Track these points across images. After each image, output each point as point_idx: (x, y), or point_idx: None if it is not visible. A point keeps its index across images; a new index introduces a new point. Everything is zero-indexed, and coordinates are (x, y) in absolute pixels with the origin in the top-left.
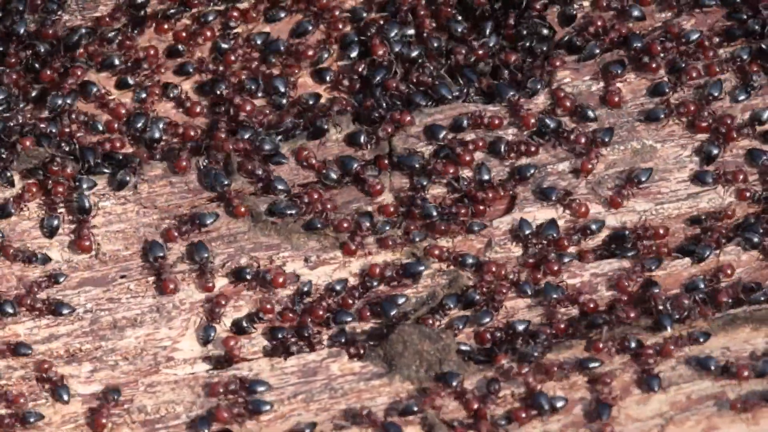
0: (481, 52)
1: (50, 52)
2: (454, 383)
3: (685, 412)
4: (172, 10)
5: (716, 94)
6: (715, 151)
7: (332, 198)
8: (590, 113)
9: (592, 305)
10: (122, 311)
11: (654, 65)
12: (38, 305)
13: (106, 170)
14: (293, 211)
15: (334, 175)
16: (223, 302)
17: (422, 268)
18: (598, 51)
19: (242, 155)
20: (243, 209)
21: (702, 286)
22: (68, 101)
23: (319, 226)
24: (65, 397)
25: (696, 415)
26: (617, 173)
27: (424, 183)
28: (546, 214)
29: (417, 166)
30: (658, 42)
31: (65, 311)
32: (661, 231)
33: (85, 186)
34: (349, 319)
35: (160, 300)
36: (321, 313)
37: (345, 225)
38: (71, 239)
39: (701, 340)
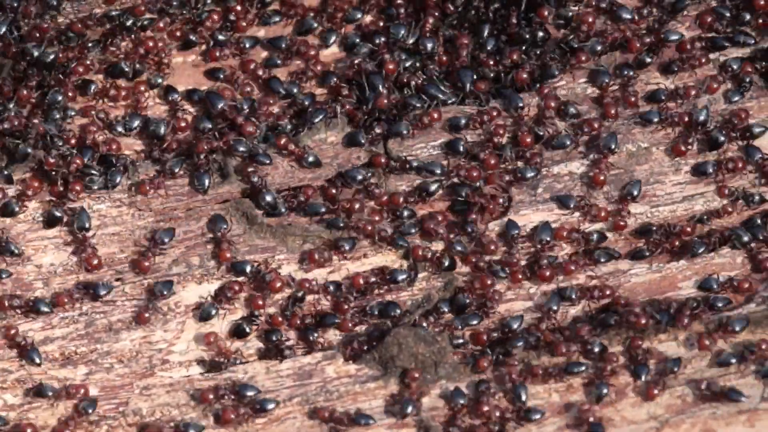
0: (491, 62)
1: (28, 69)
2: (460, 402)
3: (680, 414)
4: (145, 21)
5: (702, 119)
6: (722, 138)
7: (354, 199)
8: (572, 109)
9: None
10: (118, 314)
11: (633, 99)
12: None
13: (95, 172)
14: (323, 209)
15: (311, 158)
16: (236, 288)
17: (403, 276)
18: (600, 48)
19: (237, 158)
20: (228, 255)
21: (715, 286)
22: (61, 110)
23: (341, 225)
24: (37, 360)
25: (691, 418)
26: (612, 176)
27: (434, 189)
28: (542, 216)
29: (438, 172)
30: (637, 39)
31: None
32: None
33: (95, 187)
34: (337, 321)
35: (156, 303)
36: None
37: (369, 228)
38: (66, 241)
39: (675, 369)
